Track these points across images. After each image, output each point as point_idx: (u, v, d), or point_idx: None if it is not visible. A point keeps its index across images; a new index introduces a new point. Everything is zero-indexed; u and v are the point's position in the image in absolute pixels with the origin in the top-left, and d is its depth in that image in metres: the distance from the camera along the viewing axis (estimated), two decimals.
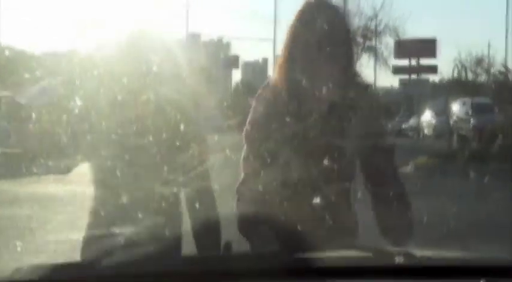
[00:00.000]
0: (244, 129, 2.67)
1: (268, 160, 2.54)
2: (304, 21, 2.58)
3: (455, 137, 25.89)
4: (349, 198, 2.66)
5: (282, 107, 2.59)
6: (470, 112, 27.30)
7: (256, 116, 2.65)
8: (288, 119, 2.56)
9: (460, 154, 16.85)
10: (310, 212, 2.53)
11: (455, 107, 29.07)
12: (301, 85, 2.57)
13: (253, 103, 2.69)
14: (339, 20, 2.64)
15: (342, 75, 2.57)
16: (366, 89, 2.71)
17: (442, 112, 29.83)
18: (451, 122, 28.12)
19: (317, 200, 2.52)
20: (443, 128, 28.12)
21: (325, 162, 2.51)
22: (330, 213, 2.54)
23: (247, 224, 2.60)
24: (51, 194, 8.86)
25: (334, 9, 2.68)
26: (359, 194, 2.71)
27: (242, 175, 2.65)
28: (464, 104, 28.72)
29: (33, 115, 16.05)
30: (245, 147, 2.66)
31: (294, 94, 2.58)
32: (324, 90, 2.54)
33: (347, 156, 2.56)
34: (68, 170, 9.32)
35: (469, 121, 26.34)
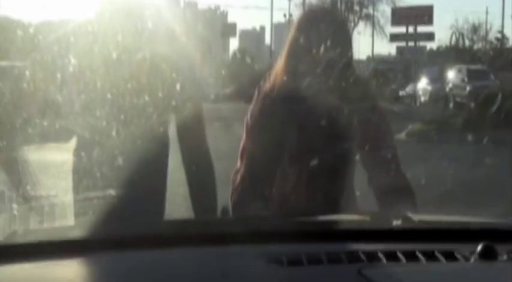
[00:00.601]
0: (245, 120, 2.71)
1: (267, 153, 2.60)
2: (304, 28, 2.63)
3: (451, 104, 26.02)
4: (348, 165, 2.67)
5: (280, 103, 2.62)
6: (466, 79, 27.27)
7: (256, 111, 2.68)
8: (286, 116, 2.59)
9: (454, 120, 16.98)
10: (309, 178, 2.57)
11: (451, 74, 29.03)
12: (300, 82, 2.59)
13: (255, 95, 2.73)
14: (339, 27, 2.71)
15: (342, 81, 2.60)
16: (366, 93, 2.73)
17: (437, 79, 29.86)
18: (447, 89, 28.18)
19: (314, 164, 2.54)
20: (439, 95, 28.19)
21: (324, 160, 2.53)
22: (328, 179, 2.58)
23: (240, 213, 2.63)
24: (52, 161, 9.00)
25: (334, 16, 2.80)
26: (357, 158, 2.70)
27: (238, 162, 2.71)
28: (460, 71, 28.68)
29: (31, 83, 16.09)
30: (244, 136, 2.71)
31: (290, 100, 2.61)
32: (324, 95, 2.57)
33: (346, 157, 2.61)
34: (67, 138, 9.45)
35: (465, 88, 26.32)
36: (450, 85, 28.26)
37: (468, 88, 25.82)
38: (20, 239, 1.66)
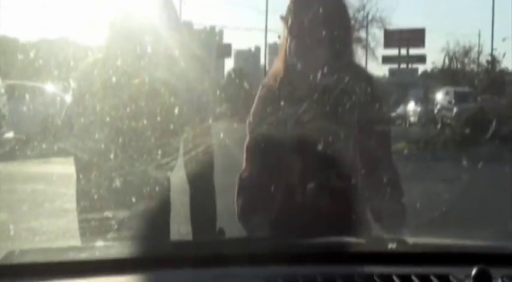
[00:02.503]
0: (247, 120, 2.62)
1: (270, 152, 2.52)
2: (300, 6, 2.54)
3: (439, 125, 26.55)
4: (350, 186, 2.56)
5: (281, 98, 2.54)
6: (453, 101, 27.90)
7: (259, 107, 2.60)
8: (288, 111, 2.50)
9: (437, 139, 17.52)
10: (310, 201, 2.50)
11: (440, 96, 29.72)
12: (299, 72, 2.53)
13: (258, 93, 2.65)
14: (336, 3, 2.59)
15: (339, 60, 2.52)
16: (366, 77, 2.63)
17: (422, 101, 30.43)
18: (436, 111, 28.76)
19: (314, 188, 2.50)
20: (427, 116, 28.74)
21: (326, 150, 2.46)
22: (330, 201, 2.50)
23: (246, 214, 2.56)
24: (61, 173, 9.54)
25: None
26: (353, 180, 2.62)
27: (244, 164, 2.62)
28: (447, 93, 29.39)
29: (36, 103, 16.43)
30: (248, 137, 2.61)
31: (292, 83, 2.54)
32: (321, 76, 2.48)
33: (346, 144, 2.50)
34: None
35: (452, 110, 26.90)
36: (438, 106, 28.90)
37: (455, 110, 26.38)
38: (16, 259, 1.62)
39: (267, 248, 1.78)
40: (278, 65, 2.62)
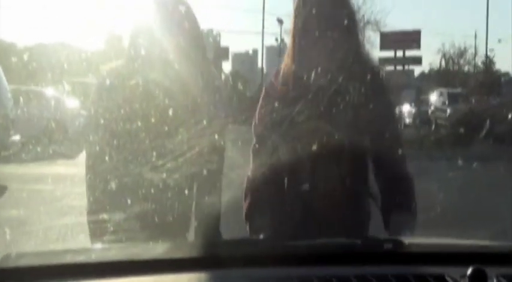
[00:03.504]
0: (253, 122, 2.61)
1: (276, 153, 2.50)
2: (306, 4, 2.51)
3: (433, 126, 26.84)
4: (356, 187, 2.55)
5: (288, 97, 2.51)
6: (446, 102, 28.20)
7: (264, 108, 2.58)
8: (295, 111, 2.47)
9: (428, 139, 17.77)
10: (315, 202, 2.49)
11: (434, 97, 30.03)
12: (307, 70, 2.48)
13: (262, 94, 2.63)
14: (341, 1, 2.56)
15: (347, 56, 2.49)
16: (374, 72, 2.58)
17: (416, 102, 30.69)
18: (430, 111, 29.04)
19: (320, 189, 2.48)
20: (421, 117, 29.02)
21: (334, 151, 2.44)
22: (335, 203, 2.48)
23: (252, 215, 2.57)
24: (65, 174, 9.76)
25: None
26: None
27: (251, 165, 2.62)
28: (441, 94, 29.69)
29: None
30: (254, 139, 2.61)
31: (300, 81, 2.50)
32: (329, 73, 2.46)
33: (357, 143, 2.47)
34: (74, 154, 10.47)
35: (446, 111, 27.20)
36: (432, 107, 29.20)
37: (448, 111, 26.66)
38: (13, 262, 1.60)
39: (263, 250, 1.78)
40: (285, 63, 2.59)
